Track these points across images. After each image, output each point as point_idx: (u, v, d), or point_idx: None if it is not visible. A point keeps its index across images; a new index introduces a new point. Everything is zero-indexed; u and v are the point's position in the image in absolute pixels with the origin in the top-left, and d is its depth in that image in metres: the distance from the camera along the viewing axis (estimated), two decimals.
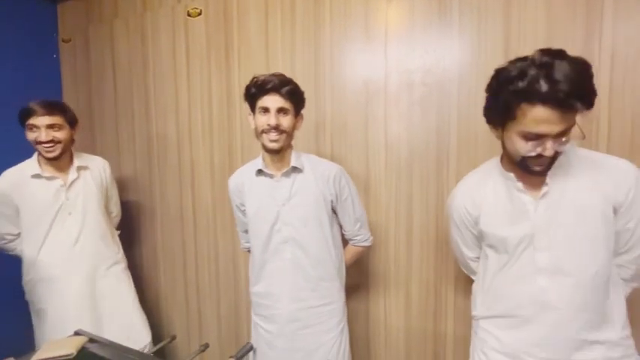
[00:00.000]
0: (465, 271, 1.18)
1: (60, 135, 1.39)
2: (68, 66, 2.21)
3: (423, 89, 1.42)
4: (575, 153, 0.89)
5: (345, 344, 1.22)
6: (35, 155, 1.45)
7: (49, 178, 1.43)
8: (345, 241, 1.32)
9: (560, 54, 0.75)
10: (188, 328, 2.01)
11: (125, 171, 2.07)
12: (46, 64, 2.17)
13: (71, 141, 1.47)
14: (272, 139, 1.07)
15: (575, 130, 0.79)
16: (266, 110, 1.08)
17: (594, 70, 1.18)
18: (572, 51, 1.18)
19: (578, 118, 0.78)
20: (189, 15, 1.83)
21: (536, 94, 0.74)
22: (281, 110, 1.08)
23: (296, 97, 1.12)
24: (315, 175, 1.15)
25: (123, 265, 1.63)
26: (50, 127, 1.37)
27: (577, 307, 0.85)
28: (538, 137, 0.78)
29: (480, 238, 1.03)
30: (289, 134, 1.11)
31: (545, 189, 0.87)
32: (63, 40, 2.21)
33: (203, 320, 1.97)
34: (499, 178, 0.95)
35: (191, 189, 1.92)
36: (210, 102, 1.82)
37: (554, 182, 0.87)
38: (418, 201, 1.46)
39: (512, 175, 0.91)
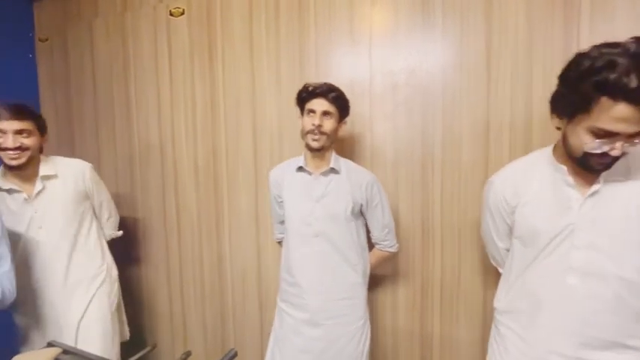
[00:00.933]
0: (493, 263, 1.14)
1: (28, 142, 1.27)
2: (45, 66, 2.14)
3: (407, 90, 1.43)
4: (637, 154, 0.80)
5: (366, 339, 1.26)
6: (1, 166, 1.32)
7: (10, 192, 1.30)
8: (371, 246, 1.36)
9: None
10: (172, 337, 1.95)
11: (106, 175, 2.00)
12: (22, 63, 2.09)
13: (39, 149, 1.35)
14: (314, 139, 1.18)
15: None
16: (312, 112, 1.19)
17: None
18: (552, 51, 1.23)
19: None
20: (171, 14, 1.79)
21: (624, 90, 0.66)
22: (326, 113, 1.18)
23: (340, 103, 1.22)
24: (349, 179, 1.25)
25: (107, 276, 1.49)
26: (18, 132, 1.24)
27: (605, 311, 0.81)
28: (609, 135, 0.71)
29: (512, 229, 0.98)
30: (330, 136, 1.20)
31: (595, 187, 0.81)
32: (39, 40, 2.13)
33: (188, 329, 1.92)
34: (547, 169, 0.89)
35: (174, 193, 1.87)
36: (193, 104, 1.79)
37: (609, 182, 0.81)
38: (404, 201, 1.46)
39: (564, 168, 0.85)
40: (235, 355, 1.20)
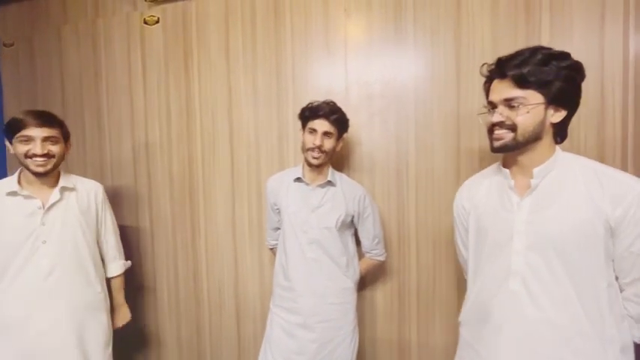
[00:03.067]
0: (465, 275, 1.14)
1: (55, 149, 1.25)
2: (9, 72, 2.04)
3: (382, 101, 1.46)
4: (577, 161, 0.85)
5: (356, 342, 1.33)
6: (17, 173, 1.28)
7: (26, 197, 1.25)
8: (360, 255, 1.42)
9: None
10: (146, 352, 1.87)
11: None
12: None
13: (63, 157, 1.31)
14: (314, 157, 1.25)
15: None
16: (314, 131, 1.25)
17: None
18: None
19: None
20: (145, 23, 1.76)
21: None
22: (326, 134, 1.25)
23: (341, 124, 1.28)
24: (344, 191, 1.32)
25: (102, 307, 1.37)
26: (46, 139, 1.23)
27: (549, 320, 0.80)
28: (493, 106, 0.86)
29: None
30: (328, 154, 1.28)
31: (529, 191, 0.85)
32: (4, 44, 2.04)
33: (162, 343, 1.85)
34: (497, 175, 0.95)
35: (148, 203, 1.82)
36: (168, 113, 1.75)
37: (545, 187, 0.84)
38: (380, 209, 1.48)
39: (507, 171, 0.90)
40: None
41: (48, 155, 1.23)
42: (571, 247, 0.79)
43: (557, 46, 1.26)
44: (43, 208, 1.27)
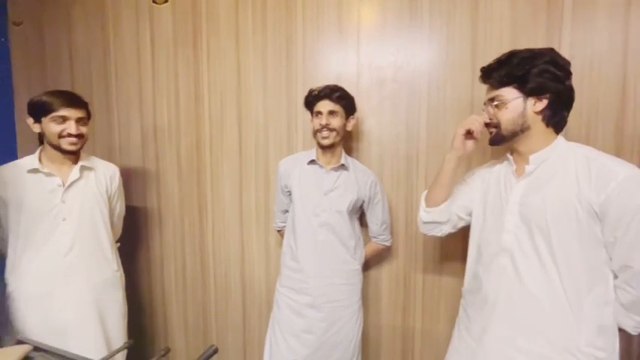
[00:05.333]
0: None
1: (84, 129, 1.31)
2: (19, 51, 2.03)
3: (393, 86, 1.43)
4: (576, 149, 0.90)
5: (361, 321, 1.37)
6: (38, 151, 1.31)
7: (47, 174, 1.28)
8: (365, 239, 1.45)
9: None
10: (153, 333, 1.91)
11: None
12: None
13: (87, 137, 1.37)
14: (324, 137, 1.27)
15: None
16: (319, 113, 1.27)
17: None
18: None
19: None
20: (154, 2, 1.73)
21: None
22: (332, 112, 1.26)
23: (345, 101, 1.29)
24: (357, 176, 1.34)
25: (118, 285, 1.42)
26: (78, 120, 1.28)
27: (531, 294, 0.88)
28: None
29: None
30: (339, 133, 1.28)
31: (523, 175, 0.93)
32: (13, 23, 2.03)
33: (169, 325, 1.88)
34: (505, 162, 1.03)
35: (156, 186, 1.82)
36: (177, 95, 1.74)
37: (540, 172, 0.91)
38: (388, 195, 1.46)
39: (510, 157, 0.99)
40: (215, 351, 1.18)
41: (80, 135, 1.29)
42: (555, 230, 0.85)
43: (578, 36, 1.24)
44: (63, 185, 1.30)
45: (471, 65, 1.33)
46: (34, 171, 1.28)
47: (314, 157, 1.33)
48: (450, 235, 1.40)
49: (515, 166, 0.97)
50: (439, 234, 1.12)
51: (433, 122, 1.39)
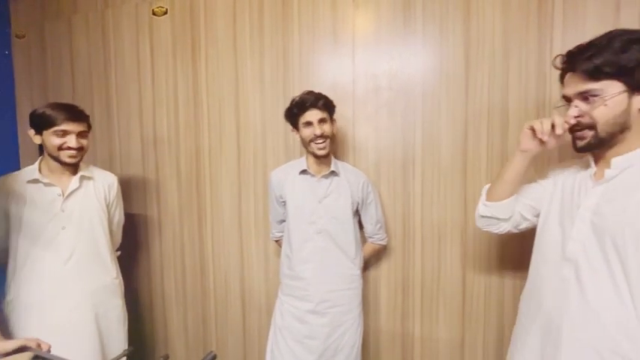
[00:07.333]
0: None
1: (85, 142, 1.34)
2: (22, 63, 2.07)
3: (389, 93, 1.45)
4: None
5: (362, 326, 1.38)
6: (38, 161, 1.33)
7: (47, 184, 1.31)
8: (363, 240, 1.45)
9: None
10: (153, 340, 1.91)
11: None
12: None
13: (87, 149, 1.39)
14: (320, 147, 1.27)
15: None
16: (309, 124, 1.26)
17: (546, 75, 1.26)
18: (527, 57, 1.27)
19: None
20: (154, 14, 1.77)
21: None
22: (321, 120, 1.27)
23: (329, 107, 1.31)
24: (348, 180, 1.35)
25: (118, 292, 1.44)
26: (79, 134, 1.31)
27: (594, 313, 0.77)
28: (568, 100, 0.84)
29: None
30: (332, 139, 1.30)
31: (602, 180, 0.80)
32: (16, 36, 2.07)
33: (169, 331, 1.88)
34: (582, 163, 0.92)
35: (156, 194, 1.84)
36: (176, 104, 1.77)
37: (622, 179, 0.78)
38: (385, 201, 1.47)
39: (591, 158, 0.86)
40: (214, 358, 1.18)
41: (80, 148, 1.31)
42: (633, 249, 0.72)
43: (570, 39, 1.25)
44: (63, 195, 1.32)
45: (464, 72, 1.35)
46: (34, 181, 1.30)
47: (305, 167, 1.34)
48: (449, 241, 1.42)
49: (595, 169, 0.83)
50: (496, 231, 1.01)
51: (428, 129, 1.41)
